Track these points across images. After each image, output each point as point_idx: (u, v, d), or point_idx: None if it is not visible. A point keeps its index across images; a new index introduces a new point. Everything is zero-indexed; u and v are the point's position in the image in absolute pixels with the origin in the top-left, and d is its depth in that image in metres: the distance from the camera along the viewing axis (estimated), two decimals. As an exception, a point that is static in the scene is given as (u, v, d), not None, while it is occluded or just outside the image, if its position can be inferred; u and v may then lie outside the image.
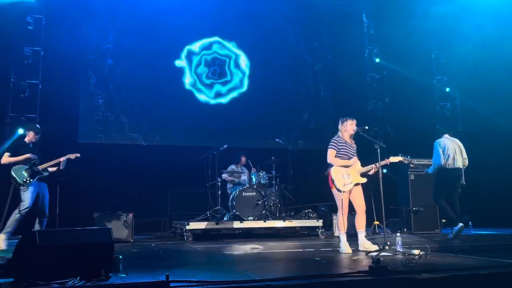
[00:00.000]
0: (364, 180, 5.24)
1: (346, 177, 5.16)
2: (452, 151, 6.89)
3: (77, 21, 8.91)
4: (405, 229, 8.02)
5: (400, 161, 5.30)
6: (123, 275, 3.54)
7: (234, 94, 10.26)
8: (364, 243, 5.10)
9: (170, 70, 9.84)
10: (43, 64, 8.57)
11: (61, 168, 6.26)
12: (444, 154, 6.89)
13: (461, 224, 6.57)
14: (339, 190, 5.15)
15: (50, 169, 6.20)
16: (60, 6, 8.69)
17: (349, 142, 5.33)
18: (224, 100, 10.16)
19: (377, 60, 10.73)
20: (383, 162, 5.28)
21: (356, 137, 5.44)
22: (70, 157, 6.26)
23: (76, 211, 7.46)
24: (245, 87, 10.34)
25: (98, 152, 8.67)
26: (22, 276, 3.20)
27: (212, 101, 10.08)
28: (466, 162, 6.98)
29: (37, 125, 6.65)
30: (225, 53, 10.30)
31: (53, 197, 7.35)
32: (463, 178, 6.97)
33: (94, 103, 9.10)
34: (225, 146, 7.95)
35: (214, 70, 10.18)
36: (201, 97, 10.02)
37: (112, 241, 3.55)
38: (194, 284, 3.03)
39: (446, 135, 7.14)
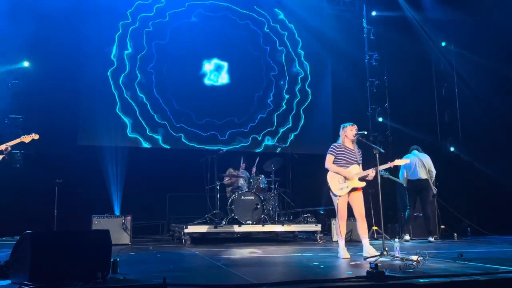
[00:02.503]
0: (363, 184, 5.20)
1: (342, 181, 5.15)
2: (412, 165, 7.76)
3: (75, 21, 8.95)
4: (403, 235, 8.00)
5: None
6: (120, 277, 3.53)
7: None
8: (369, 249, 5.06)
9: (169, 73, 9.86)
10: (45, 66, 8.57)
11: (6, 157, 5.24)
12: (406, 169, 7.84)
13: (407, 237, 7.59)
14: (334, 195, 5.15)
15: None
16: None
17: (350, 147, 5.29)
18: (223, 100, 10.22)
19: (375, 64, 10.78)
20: (386, 165, 5.26)
21: (357, 143, 5.41)
22: (23, 140, 5.35)
23: (74, 213, 7.45)
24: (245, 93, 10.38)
25: (97, 154, 8.67)
26: (19, 278, 3.19)
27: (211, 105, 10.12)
28: (432, 174, 7.78)
29: None
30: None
31: (51, 199, 7.36)
32: (430, 187, 7.73)
33: (94, 105, 9.09)
34: (224, 149, 7.96)
35: (214, 74, 10.21)
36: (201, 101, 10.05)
37: (110, 243, 3.54)
38: (191, 287, 3.02)
39: (416, 151, 7.95)
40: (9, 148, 5.13)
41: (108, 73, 9.36)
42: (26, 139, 5.33)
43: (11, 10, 8.09)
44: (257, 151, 9.95)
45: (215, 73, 10.18)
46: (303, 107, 10.66)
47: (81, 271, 3.24)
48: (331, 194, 5.21)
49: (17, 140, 5.27)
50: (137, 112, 9.46)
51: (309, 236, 8.03)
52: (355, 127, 5.32)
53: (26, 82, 8.39)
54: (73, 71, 8.86)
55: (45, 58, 8.51)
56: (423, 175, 7.70)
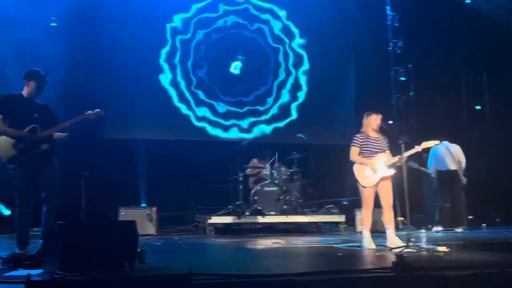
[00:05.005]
0: (392, 172, 5.09)
1: (370, 172, 5.06)
2: (441, 155, 7.77)
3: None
4: (430, 226, 7.88)
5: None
6: (147, 267, 3.60)
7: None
8: (394, 240, 4.99)
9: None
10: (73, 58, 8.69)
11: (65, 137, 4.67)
12: (434, 159, 7.84)
13: (439, 228, 7.54)
14: (362, 186, 5.08)
15: (56, 136, 4.63)
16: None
17: (374, 136, 5.20)
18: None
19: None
20: (414, 150, 5.12)
21: (381, 131, 5.30)
22: (88, 116, 4.57)
23: (101, 204, 7.60)
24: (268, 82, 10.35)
25: (123, 147, 8.81)
26: (50, 267, 3.29)
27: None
28: (462, 165, 7.74)
29: (40, 71, 4.60)
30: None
31: (79, 190, 7.53)
32: (460, 178, 7.73)
33: (120, 99, 9.16)
34: (247, 140, 7.96)
35: (236, 65, 10.22)
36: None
37: (136, 234, 3.61)
38: (216, 277, 3.05)
39: (445, 142, 7.83)
40: (67, 125, 4.52)
41: (136, 65, 9.41)
42: (91, 115, 4.57)
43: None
44: (278, 141, 9.92)
45: (237, 63, 10.19)
46: (322, 95, 10.52)
47: (109, 261, 3.32)
48: (358, 185, 5.15)
49: (81, 117, 4.53)
50: (163, 105, 9.55)
51: (333, 227, 7.98)
52: (380, 116, 5.21)
53: (55, 75, 8.51)
54: (101, 60, 8.92)
55: (75, 51, 8.61)
56: (452, 165, 7.68)
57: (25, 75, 4.52)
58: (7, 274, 3.36)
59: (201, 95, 9.88)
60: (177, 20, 9.91)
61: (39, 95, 4.57)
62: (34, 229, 5.00)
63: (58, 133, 4.62)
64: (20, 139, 4.29)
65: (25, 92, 4.51)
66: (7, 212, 6.52)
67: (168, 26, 9.82)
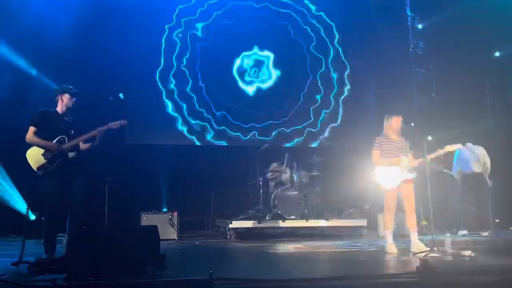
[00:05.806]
0: (413, 175, 5.02)
1: (391, 175, 5.00)
2: (466, 157, 7.67)
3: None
4: (455, 229, 7.71)
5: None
6: (168, 272, 3.63)
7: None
8: (417, 244, 4.91)
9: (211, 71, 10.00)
10: (92, 66, 8.85)
11: (96, 143, 4.78)
12: (459, 161, 7.77)
13: (464, 231, 7.42)
14: (384, 189, 5.02)
15: (82, 147, 4.82)
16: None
17: (395, 139, 5.14)
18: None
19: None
20: (437, 153, 5.04)
21: (403, 134, 5.23)
22: (112, 126, 4.74)
23: (123, 210, 7.71)
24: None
25: (144, 153, 8.92)
26: (75, 272, 3.35)
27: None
28: (486, 167, 7.61)
29: (69, 86, 4.86)
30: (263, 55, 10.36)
31: (102, 196, 7.66)
32: (484, 181, 7.56)
33: (141, 105, 9.29)
34: (266, 145, 7.97)
35: (254, 70, 10.24)
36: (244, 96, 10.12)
37: (158, 238, 3.65)
38: (237, 282, 3.06)
39: (469, 144, 7.75)
40: (92, 134, 4.69)
41: (156, 73, 9.55)
42: (115, 125, 4.74)
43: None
44: (294, 145, 9.89)
45: (255, 68, 10.22)
46: (342, 98, 10.44)
47: (132, 265, 3.37)
48: (380, 188, 5.08)
49: (105, 127, 4.70)
50: (183, 111, 9.66)
51: (355, 232, 7.89)
52: (401, 118, 5.15)
53: (74, 82, 8.70)
54: (120, 72, 9.07)
55: (92, 58, 8.76)
56: (477, 168, 7.56)
57: (57, 91, 4.76)
58: (34, 278, 3.44)
59: (219, 100, 9.95)
60: (197, 27, 10.03)
61: (73, 107, 4.79)
62: (61, 234, 5.11)
63: (83, 144, 4.84)
64: (48, 149, 4.50)
65: (59, 108, 4.74)
66: (32, 216, 6.69)
67: (187, 33, 9.95)
